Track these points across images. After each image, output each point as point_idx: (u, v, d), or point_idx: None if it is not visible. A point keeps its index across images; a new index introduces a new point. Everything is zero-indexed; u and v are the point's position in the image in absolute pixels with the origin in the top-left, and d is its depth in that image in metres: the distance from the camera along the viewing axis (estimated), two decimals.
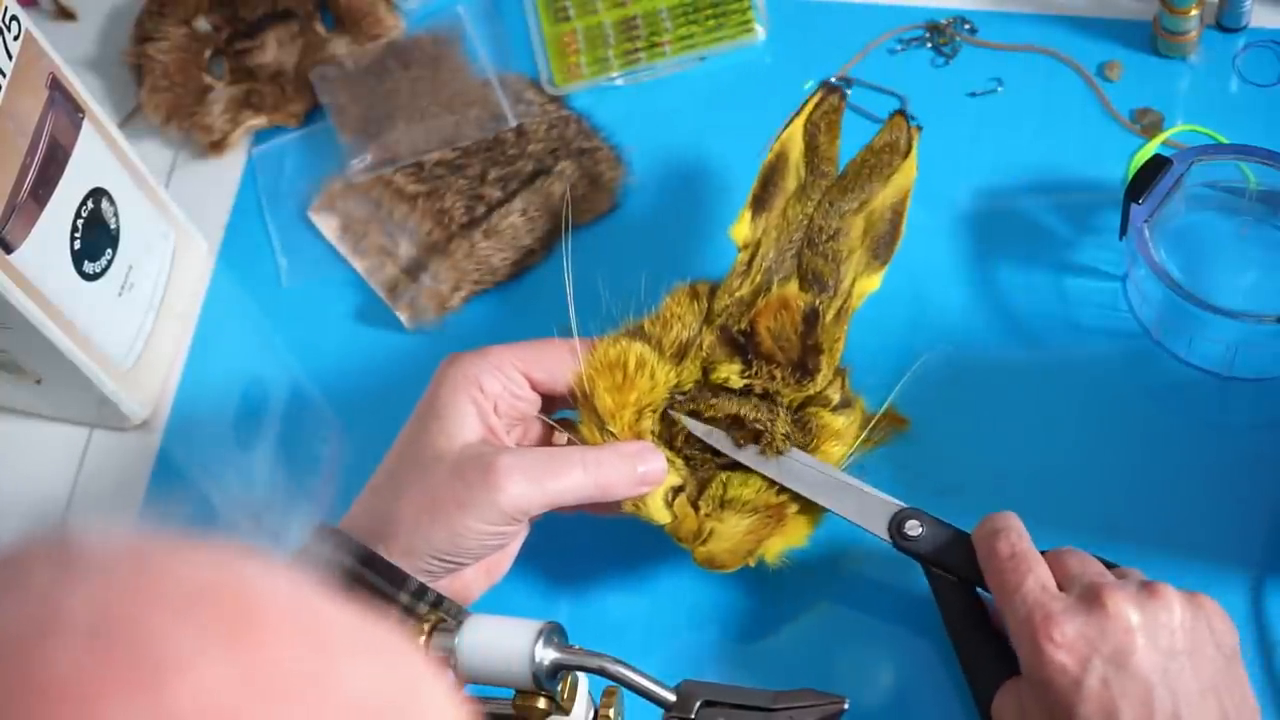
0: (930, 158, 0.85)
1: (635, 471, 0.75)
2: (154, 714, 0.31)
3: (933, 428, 0.84)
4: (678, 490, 0.77)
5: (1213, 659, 0.68)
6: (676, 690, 0.69)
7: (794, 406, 0.79)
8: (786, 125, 0.85)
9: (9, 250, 0.78)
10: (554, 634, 0.67)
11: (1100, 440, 0.84)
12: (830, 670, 0.80)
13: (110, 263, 0.87)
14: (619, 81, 0.99)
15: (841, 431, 0.78)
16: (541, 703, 0.68)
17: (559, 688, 0.68)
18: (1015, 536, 0.72)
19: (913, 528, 0.76)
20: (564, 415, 0.80)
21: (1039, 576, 0.70)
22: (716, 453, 0.78)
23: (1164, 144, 0.91)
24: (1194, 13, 0.92)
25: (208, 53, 1.03)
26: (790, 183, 0.84)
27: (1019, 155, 0.93)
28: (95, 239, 0.85)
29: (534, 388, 0.77)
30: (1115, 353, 0.87)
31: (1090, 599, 0.68)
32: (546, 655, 0.66)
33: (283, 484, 0.88)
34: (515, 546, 0.78)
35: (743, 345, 0.79)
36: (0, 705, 0.31)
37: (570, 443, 0.78)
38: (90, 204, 0.85)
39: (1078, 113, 0.94)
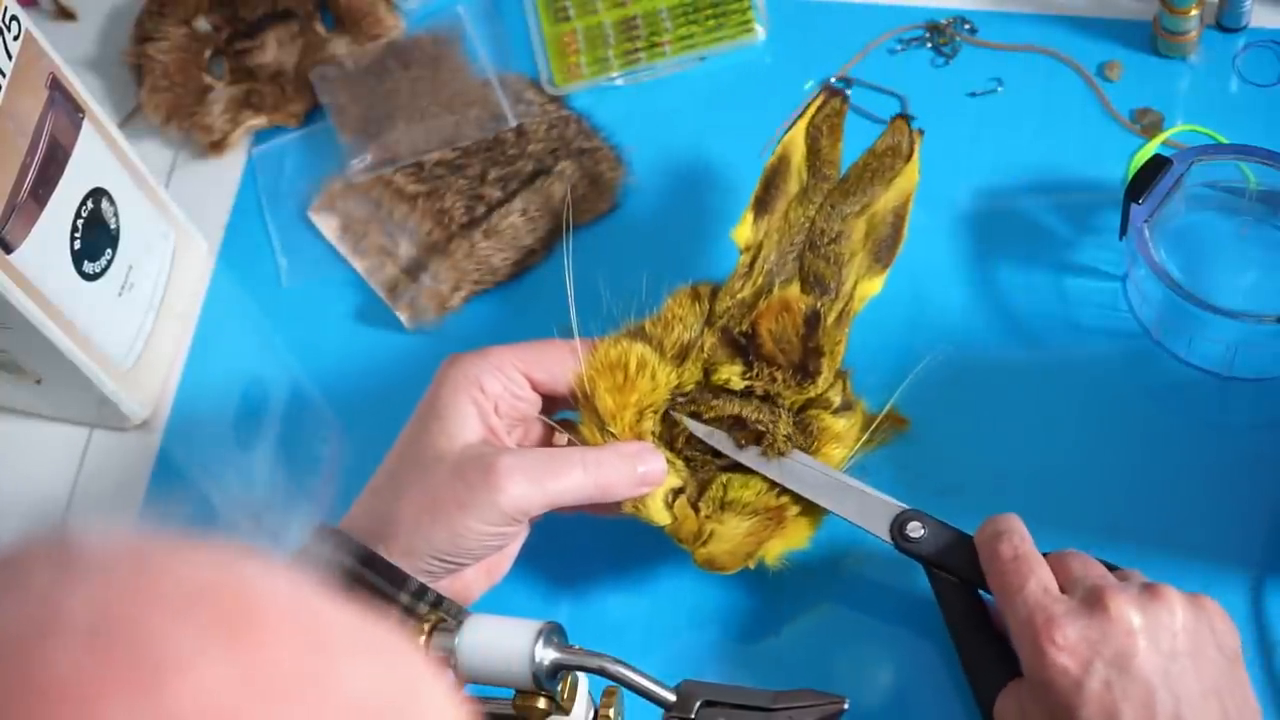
0: (930, 158, 0.85)
1: (635, 472, 0.75)
2: (154, 714, 0.31)
3: (933, 428, 0.84)
4: (678, 492, 0.77)
5: (1215, 661, 0.68)
6: (676, 690, 0.69)
7: (795, 409, 0.79)
8: (789, 128, 0.85)
9: (9, 250, 0.78)
10: (554, 634, 0.67)
11: (1100, 440, 0.84)
12: (831, 671, 0.80)
13: (110, 263, 0.87)
14: (619, 81, 0.99)
15: (842, 434, 0.78)
16: (541, 703, 0.68)
17: (559, 688, 0.68)
18: (1017, 539, 0.72)
19: (914, 529, 0.76)
20: (565, 416, 0.80)
21: (1041, 579, 0.70)
22: (717, 454, 0.78)
23: (1164, 144, 0.91)
24: (1194, 13, 0.92)
25: (208, 53, 1.03)
26: (792, 185, 0.84)
27: (1019, 155, 0.93)
28: (95, 239, 0.85)
29: (535, 388, 0.77)
30: (1115, 353, 0.87)
31: (1092, 601, 0.68)
32: (546, 655, 0.66)
33: (283, 484, 0.88)
34: (516, 547, 0.78)
35: (744, 347, 0.79)
36: (0, 705, 0.31)
37: (571, 443, 0.78)
38: (90, 204, 0.85)
39: (1078, 113, 0.94)
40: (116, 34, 1.05)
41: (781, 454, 0.77)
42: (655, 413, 0.78)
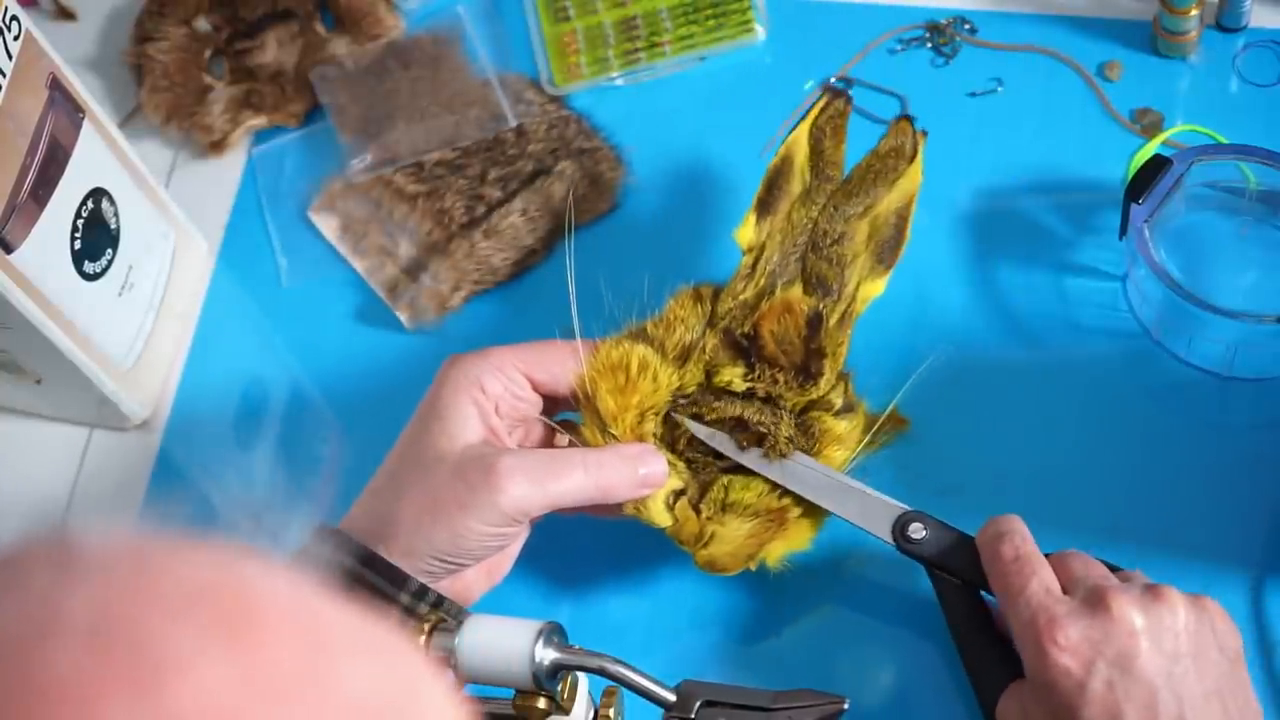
0: (930, 158, 0.85)
1: (636, 474, 0.75)
2: (154, 714, 0.31)
3: (933, 428, 0.84)
4: (679, 493, 0.77)
5: (1217, 662, 0.68)
6: (676, 690, 0.69)
7: (796, 410, 0.79)
8: (792, 129, 0.85)
9: (9, 250, 0.78)
10: (554, 634, 0.67)
11: (1100, 440, 0.84)
12: (832, 672, 0.80)
13: (110, 263, 0.87)
14: (619, 81, 0.99)
15: (844, 436, 0.78)
16: (541, 703, 0.68)
17: (559, 688, 0.68)
18: (1019, 539, 0.72)
19: (916, 530, 0.76)
20: (565, 417, 0.80)
21: (1043, 579, 0.70)
22: (719, 456, 0.78)
23: (1164, 144, 0.91)
24: (1194, 13, 0.92)
25: (208, 53, 1.03)
26: (795, 186, 0.84)
27: (1019, 155, 0.93)
28: (95, 239, 0.85)
29: (535, 389, 0.77)
30: (1115, 353, 0.87)
31: (1094, 602, 0.68)
32: (546, 655, 0.66)
33: (283, 484, 0.88)
34: (516, 548, 0.78)
35: (746, 349, 0.79)
36: (0, 706, 0.31)
37: (572, 444, 0.78)
38: (90, 204, 0.85)
39: (1078, 113, 0.94)
40: (116, 34, 1.05)
41: (783, 456, 0.77)
42: (657, 414, 0.78)
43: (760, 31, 0.99)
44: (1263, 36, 0.95)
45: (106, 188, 0.86)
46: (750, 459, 0.77)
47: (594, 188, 0.95)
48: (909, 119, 0.86)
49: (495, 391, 0.75)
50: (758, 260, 0.81)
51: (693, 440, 0.78)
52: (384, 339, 0.93)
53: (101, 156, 0.86)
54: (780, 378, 0.78)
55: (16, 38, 0.79)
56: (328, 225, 0.97)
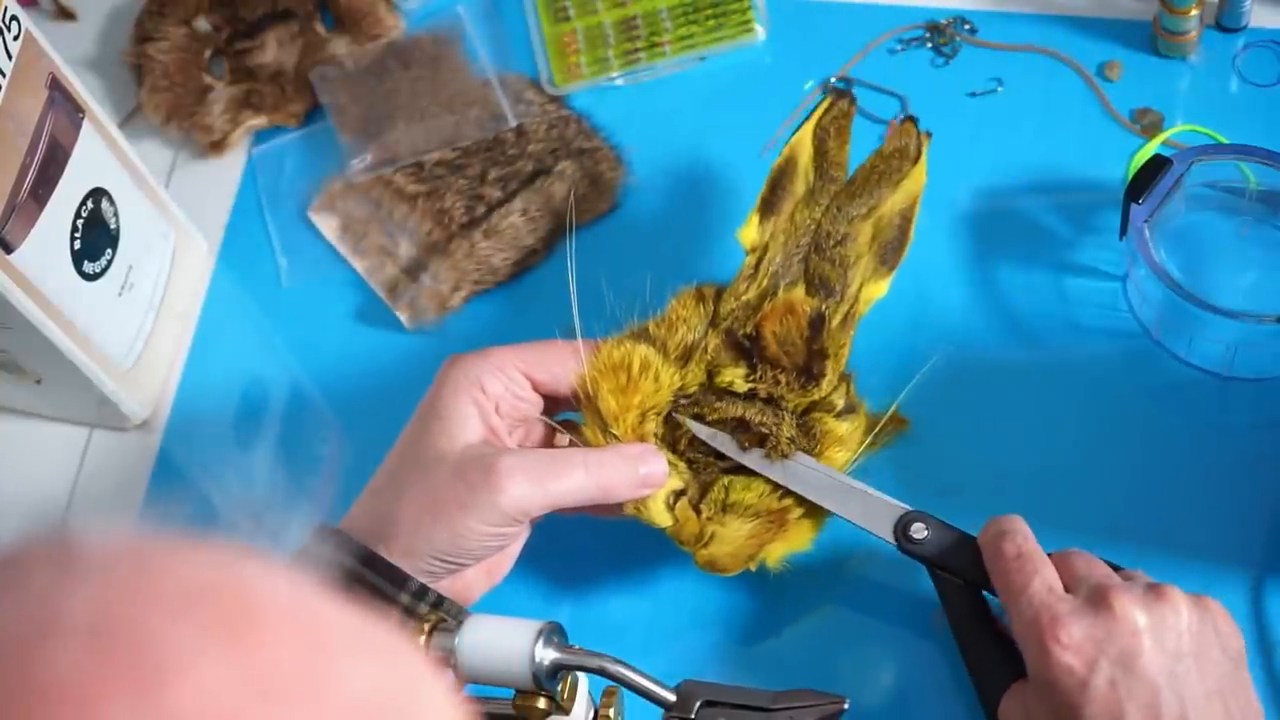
0: (931, 158, 0.85)
1: (637, 473, 0.75)
2: (155, 714, 0.31)
3: (933, 428, 0.84)
4: (680, 493, 0.77)
5: (1219, 662, 0.68)
6: (676, 690, 0.69)
7: (798, 411, 0.79)
8: (796, 130, 0.85)
9: (9, 250, 0.78)
10: (554, 634, 0.67)
11: (1100, 440, 0.84)
12: (833, 672, 0.80)
13: (110, 263, 0.87)
14: (619, 81, 0.99)
15: (845, 437, 0.78)
16: (541, 703, 0.68)
17: (559, 688, 0.68)
18: (1021, 538, 0.72)
19: (918, 530, 0.76)
20: (566, 417, 0.80)
21: (1045, 578, 0.70)
22: (720, 456, 0.78)
23: (1164, 144, 0.91)
24: (1194, 13, 0.92)
25: (208, 53, 1.03)
26: (799, 187, 0.84)
27: (1019, 155, 0.93)
28: (95, 239, 0.85)
29: (536, 389, 0.77)
30: (1115, 353, 0.87)
31: (1097, 601, 0.68)
32: (546, 655, 0.66)
33: (283, 484, 0.88)
34: (516, 548, 0.78)
35: (748, 349, 0.79)
36: (0, 706, 0.31)
37: (572, 444, 0.78)
38: (90, 204, 0.85)
39: (1078, 113, 0.94)
40: (116, 34, 1.05)
41: (785, 456, 0.77)
42: (658, 414, 0.78)
43: (760, 31, 0.99)
44: (1263, 36, 0.95)
45: (106, 188, 0.86)
46: (752, 459, 0.77)
47: (594, 188, 0.95)
48: (913, 120, 0.86)
49: (495, 391, 0.75)
50: (760, 261, 0.81)
51: (693, 440, 0.78)
52: (384, 339, 0.93)
53: (101, 156, 0.86)
54: (782, 379, 0.78)
55: (16, 38, 0.79)
56: (328, 225, 0.97)
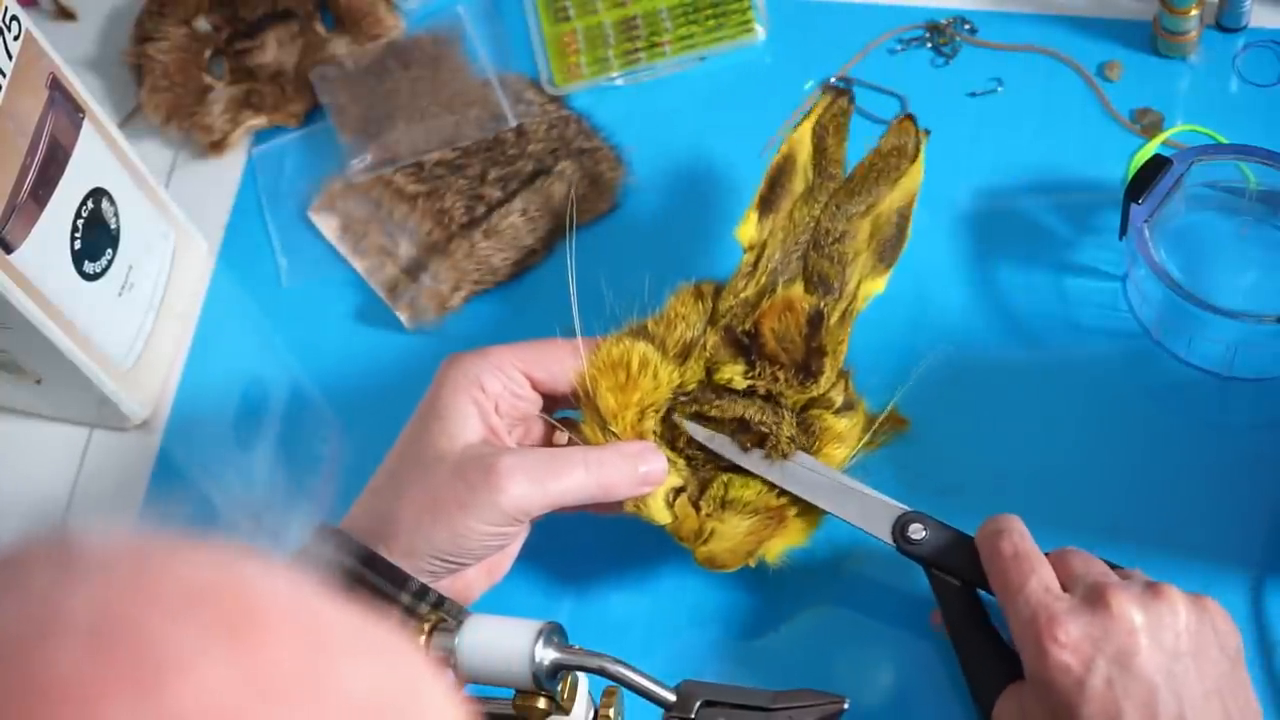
0: (930, 158, 0.85)
1: (637, 472, 0.75)
2: (155, 714, 0.31)
3: (933, 428, 0.84)
4: (679, 490, 0.77)
5: (1217, 661, 0.68)
6: (676, 690, 0.69)
7: (797, 408, 0.79)
8: (795, 127, 0.85)
9: (9, 250, 0.78)
10: (554, 634, 0.67)
11: (1100, 440, 0.84)
12: (831, 671, 0.80)
13: (110, 263, 0.87)
14: (619, 81, 0.99)
15: (844, 434, 0.78)
16: (541, 703, 0.68)
17: (559, 688, 0.68)
18: (1018, 537, 0.72)
19: (916, 531, 0.76)
20: (565, 414, 0.80)
21: (1042, 577, 0.70)
22: (718, 457, 0.78)
23: (1164, 144, 0.91)
24: (1194, 13, 0.92)
25: (208, 53, 1.03)
26: (797, 185, 0.84)
27: (1019, 155, 0.93)
28: (95, 239, 0.85)
29: (535, 387, 0.77)
30: (1115, 353, 0.87)
31: (1094, 599, 0.68)
32: (546, 655, 0.66)
33: (283, 484, 0.88)
34: (516, 547, 0.78)
35: (746, 346, 0.79)
36: (1, 706, 0.31)
37: (571, 442, 0.78)
38: (90, 204, 0.85)
39: (1078, 113, 0.94)
40: (116, 34, 1.05)
41: (784, 456, 0.77)
42: (657, 412, 0.78)
43: (760, 31, 0.99)
44: (1263, 36, 0.95)
45: (106, 188, 0.86)
46: (750, 461, 0.77)
47: (594, 188, 0.95)
48: (911, 118, 0.86)
49: (495, 390, 0.75)
50: (759, 258, 0.81)
51: (693, 438, 0.78)
52: (384, 339, 0.93)
53: (101, 156, 0.86)
54: (781, 375, 0.78)
55: (16, 38, 0.79)
56: (328, 225, 0.97)
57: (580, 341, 0.77)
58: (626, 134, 0.97)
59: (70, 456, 0.92)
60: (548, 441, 0.80)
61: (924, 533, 0.75)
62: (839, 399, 0.79)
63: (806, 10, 1.00)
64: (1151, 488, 0.83)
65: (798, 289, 0.80)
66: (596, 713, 0.71)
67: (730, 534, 0.76)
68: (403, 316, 0.93)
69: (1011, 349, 0.88)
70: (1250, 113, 0.92)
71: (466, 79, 0.99)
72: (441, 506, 0.71)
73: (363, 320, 0.94)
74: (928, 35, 0.98)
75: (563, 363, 0.77)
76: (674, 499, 0.77)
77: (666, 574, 0.83)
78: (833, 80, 0.96)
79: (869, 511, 0.76)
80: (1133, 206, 0.84)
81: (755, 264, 0.81)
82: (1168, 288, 0.83)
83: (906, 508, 0.76)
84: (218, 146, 1.00)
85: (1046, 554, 0.72)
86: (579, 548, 0.84)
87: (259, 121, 1.00)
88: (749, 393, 0.79)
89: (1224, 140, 0.90)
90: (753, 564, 0.77)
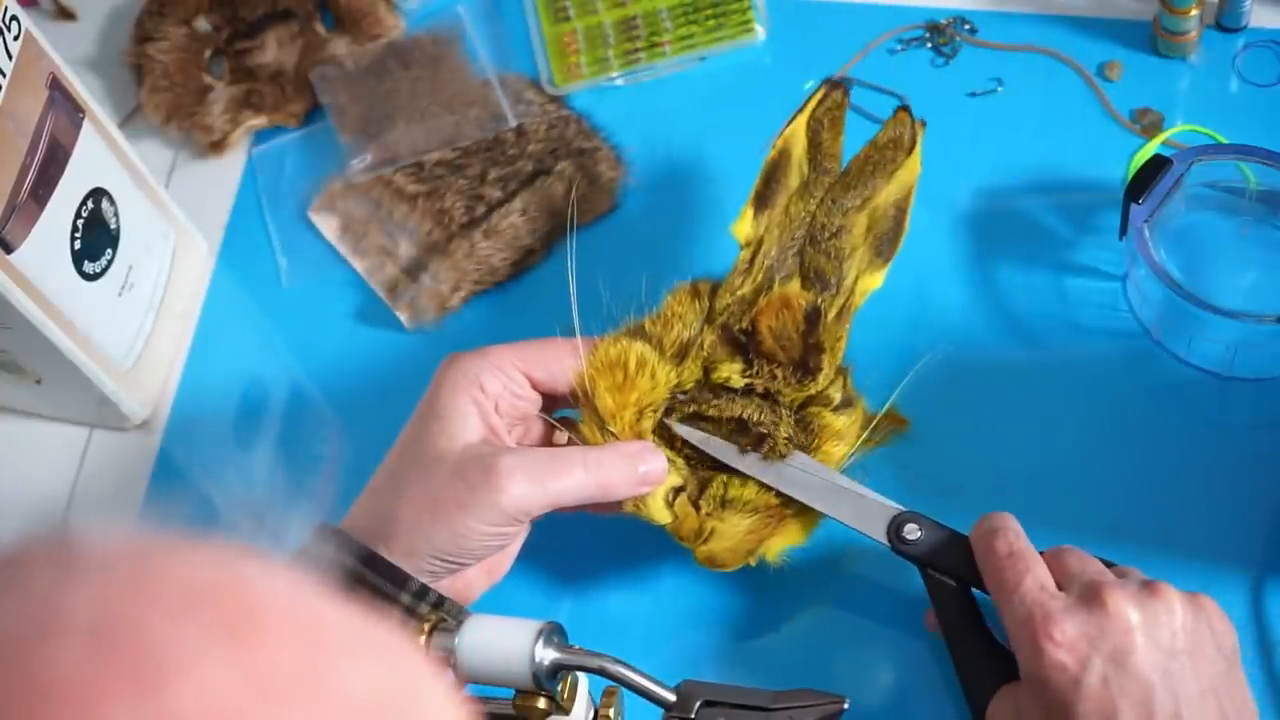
0: (930, 158, 0.85)
1: (636, 471, 0.75)
2: (156, 714, 0.31)
3: (933, 428, 0.84)
4: (678, 490, 0.77)
5: (1213, 660, 0.67)
6: (676, 690, 0.69)
7: (795, 406, 0.79)
8: (789, 122, 0.85)
9: (9, 250, 0.78)
10: (554, 634, 0.67)
11: (1100, 440, 0.84)
12: (830, 671, 0.80)
13: (110, 263, 0.87)
14: (619, 81, 0.99)
15: (843, 431, 0.78)
16: (541, 703, 0.68)
17: (559, 688, 0.68)
18: (1013, 535, 0.72)
19: (911, 531, 0.75)
20: (564, 414, 0.80)
21: (1037, 576, 0.70)
22: (713, 457, 0.78)
23: (1164, 144, 0.91)
24: (1194, 13, 0.92)
25: (208, 53, 1.03)
26: (793, 180, 0.84)
27: (1019, 155, 0.93)
28: (95, 239, 0.85)
29: (535, 387, 0.77)
30: (1115, 353, 0.87)
31: (1090, 598, 0.68)
32: (546, 655, 0.66)
33: (283, 484, 0.88)
34: (516, 547, 0.78)
35: (744, 344, 0.79)
36: (2, 706, 0.31)
37: (571, 442, 0.78)
38: (90, 204, 0.85)
39: (1078, 113, 0.94)
40: (116, 34, 1.05)
41: (782, 457, 0.77)
42: (655, 411, 0.78)
43: (760, 31, 0.99)
44: (1263, 36, 0.95)
45: (106, 188, 0.86)
46: (745, 463, 0.77)
47: (594, 188, 0.95)
48: (907, 109, 0.85)
49: (494, 390, 0.75)
50: (755, 255, 0.81)
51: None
52: (384, 339, 0.93)
53: (101, 156, 0.86)
54: (779, 373, 0.78)
55: (16, 38, 0.78)
56: (328, 225, 0.97)
57: (579, 341, 0.77)
58: (626, 134, 0.97)
59: (70, 456, 0.92)
60: (547, 441, 0.80)
61: (919, 533, 0.75)
62: (837, 396, 0.79)
63: (806, 10, 1.00)
64: (1151, 488, 0.83)
65: (795, 285, 0.80)
66: (596, 713, 0.71)
67: (730, 533, 0.76)
68: (403, 316, 0.93)
69: (1011, 349, 0.88)
70: (1250, 113, 0.92)
71: (466, 79, 0.99)
72: (442, 506, 0.71)
73: (363, 320, 0.94)
74: (928, 35, 0.98)
75: (562, 362, 0.77)
76: (674, 498, 0.77)
77: (666, 574, 0.83)
78: (834, 78, 0.96)
79: (864, 512, 0.76)
80: (1133, 206, 0.84)
81: (751, 261, 0.81)
82: (1168, 288, 0.83)
83: (901, 507, 0.76)
84: (218, 146, 1.00)
85: (1042, 553, 0.72)
86: (579, 548, 0.84)
87: (259, 121, 1.00)
88: (747, 391, 0.79)
89: (1224, 140, 0.90)
90: (753, 563, 0.77)
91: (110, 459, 0.92)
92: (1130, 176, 0.85)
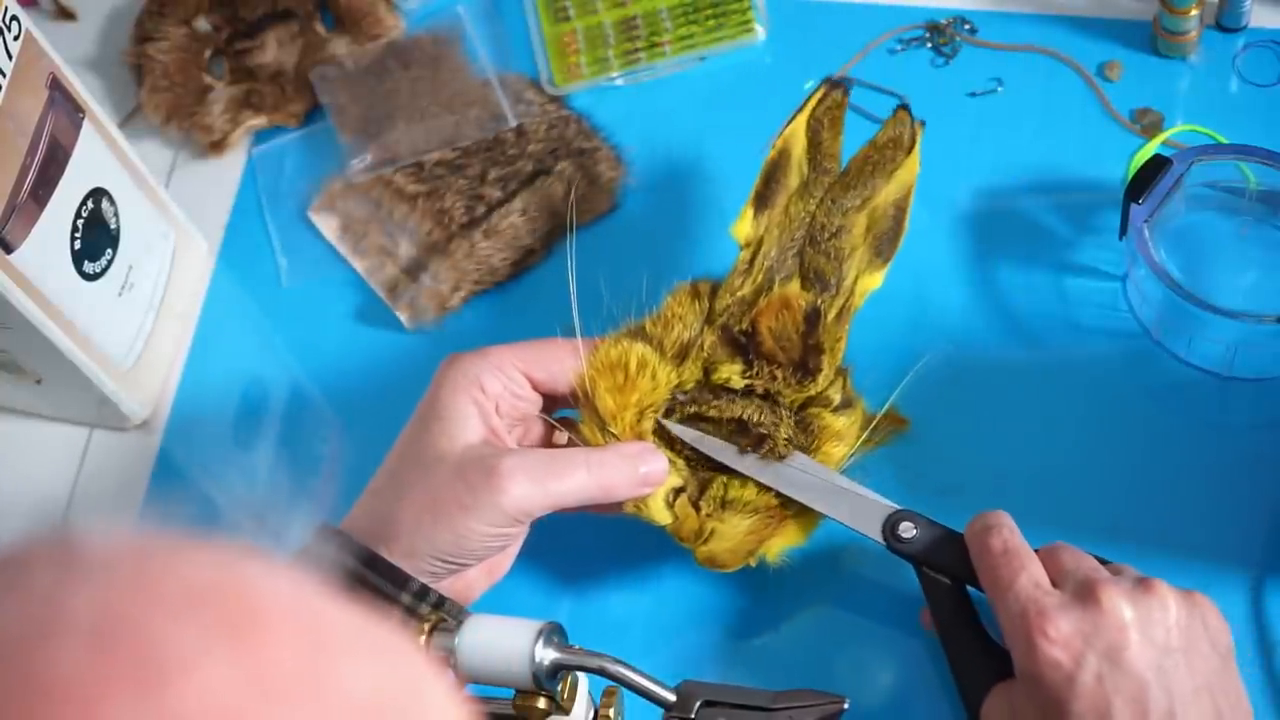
0: (930, 158, 0.85)
1: (637, 472, 0.75)
2: (158, 714, 0.31)
3: (933, 428, 0.84)
4: (679, 491, 0.77)
5: (1207, 657, 0.67)
6: (676, 690, 0.69)
7: (795, 407, 0.79)
8: (789, 122, 0.85)
9: (9, 250, 0.78)
10: (554, 634, 0.67)
11: (1100, 440, 0.84)
12: (830, 670, 0.80)
13: (110, 263, 0.87)
14: (619, 81, 0.99)
15: (842, 432, 0.78)
16: (541, 703, 0.68)
17: (559, 688, 0.68)
18: (1007, 533, 0.72)
19: (906, 529, 0.75)
20: (564, 414, 0.80)
21: (1032, 573, 0.70)
22: (710, 457, 0.78)
23: (1164, 144, 0.91)
24: (1194, 13, 0.92)
25: (208, 53, 1.03)
26: (793, 180, 0.84)
27: (1019, 155, 0.93)
28: (95, 239, 0.85)
29: (535, 387, 0.77)
30: (1115, 353, 0.87)
31: (1084, 595, 0.68)
32: (546, 655, 0.66)
33: (284, 484, 0.88)
34: (516, 547, 0.78)
35: (744, 345, 0.79)
36: (3, 706, 0.31)
37: (571, 442, 0.78)
38: (90, 204, 0.85)
39: (1078, 113, 0.94)
40: (116, 34, 1.05)
41: (782, 458, 0.77)
42: (655, 412, 0.78)
43: (760, 31, 0.99)
44: (1263, 36, 0.95)
45: (106, 188, 0.86)
46: (743, 463, 0.77)
47: (594, 188, 0.95)
48: (906, 108, 0.85)
49: (495, 390, 0.75)
50: (755, 255, 0.81)
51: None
52: (384, 339, 0.93)
53: (101, 156, 0.86)
54: (778, 374, 0.78)
55: (16, 38, 0.78)
56: (328, 225, 0.97)
57: (580, 342, 0.77)
58: (626, 134, 0.97)
59: (70, 456, 0.92)
60: (547, 441, 0.80)
61: (914, 531, 0.75)
62: (837, 397, 0.79)
63: (806, 10, 1.00)
64: (1151, 488, 0.83)
65: (794, 286, 0.80)
66: (596, 713, 0.71)
67: (730, 534, 0.76)
68: (403, 316, 0.93)
69: (1011, 349, 0.88)
70: (1250, 113, 0.93)
71: (466, 79, 0.99)
72: (442, 507, 0.71)
73: (363, 320, 0.94)
74: (928, 35, 0.98)
75: (562, 363, 0.77)
76: (674, 499, 0.77)
77: (666, 574, 0.83)
78: (834, 78, 0.96)
79: (859, 511, 0.76)
80: (1133, 206, 0.84)
81: (751, 261, 0.81)
82: (1168, 288, 0.83)
83: (897, 506, 0.76)
84: (218, 146, 1.00)
85: (1037, 550, 0.72)
86: (579, 548, 0.84)
87: (259, 121, 1.00)
88: (747, 392, 0.79)
89: (1224, 140, 0.90)
90: (753, 563, 0.77)
91: (110, 459, 0.92)
92: (1130, 176, 0.85)
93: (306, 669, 0.34)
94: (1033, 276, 0.90)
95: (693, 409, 0.78)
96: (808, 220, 0.82)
